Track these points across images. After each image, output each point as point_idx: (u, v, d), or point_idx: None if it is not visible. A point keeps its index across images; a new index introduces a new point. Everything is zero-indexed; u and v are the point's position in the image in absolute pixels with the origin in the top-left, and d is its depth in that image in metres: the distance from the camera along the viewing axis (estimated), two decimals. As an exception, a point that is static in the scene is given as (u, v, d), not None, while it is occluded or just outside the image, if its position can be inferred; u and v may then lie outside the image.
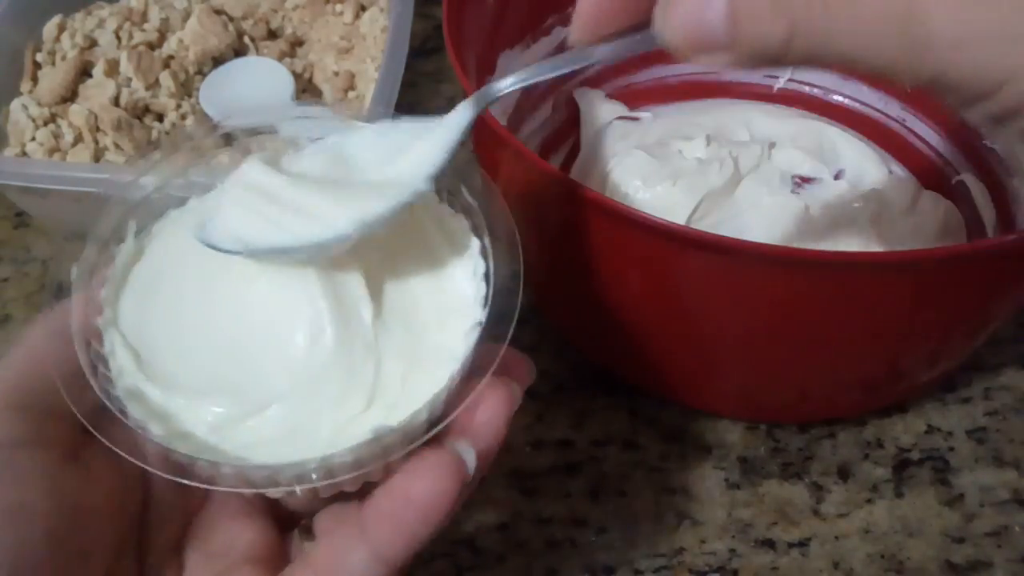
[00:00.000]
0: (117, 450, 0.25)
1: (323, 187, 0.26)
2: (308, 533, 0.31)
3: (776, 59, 0.23)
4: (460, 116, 0.26)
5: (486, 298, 0.26)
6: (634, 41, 0.25)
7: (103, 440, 0.25)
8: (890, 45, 0.21)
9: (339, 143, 0.28)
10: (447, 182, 0.28)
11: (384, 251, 0.27)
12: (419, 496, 0.24)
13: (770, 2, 0.22)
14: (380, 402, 0.26)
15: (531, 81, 0.27)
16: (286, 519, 0.31)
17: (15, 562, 0.25)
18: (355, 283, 0.26)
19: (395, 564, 0.25)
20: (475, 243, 0.28)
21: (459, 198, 0.29)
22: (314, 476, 0.24)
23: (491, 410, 0.26)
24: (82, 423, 0.25)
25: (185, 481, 0.25)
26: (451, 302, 0.27)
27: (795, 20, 0.22)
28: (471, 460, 0.25)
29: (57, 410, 0.26)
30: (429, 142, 0.26)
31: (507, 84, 0.27)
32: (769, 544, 0.40)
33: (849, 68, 0.22)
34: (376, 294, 0.27)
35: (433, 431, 0.25)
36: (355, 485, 0.26)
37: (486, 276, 0.27)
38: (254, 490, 0.26)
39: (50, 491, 0.26)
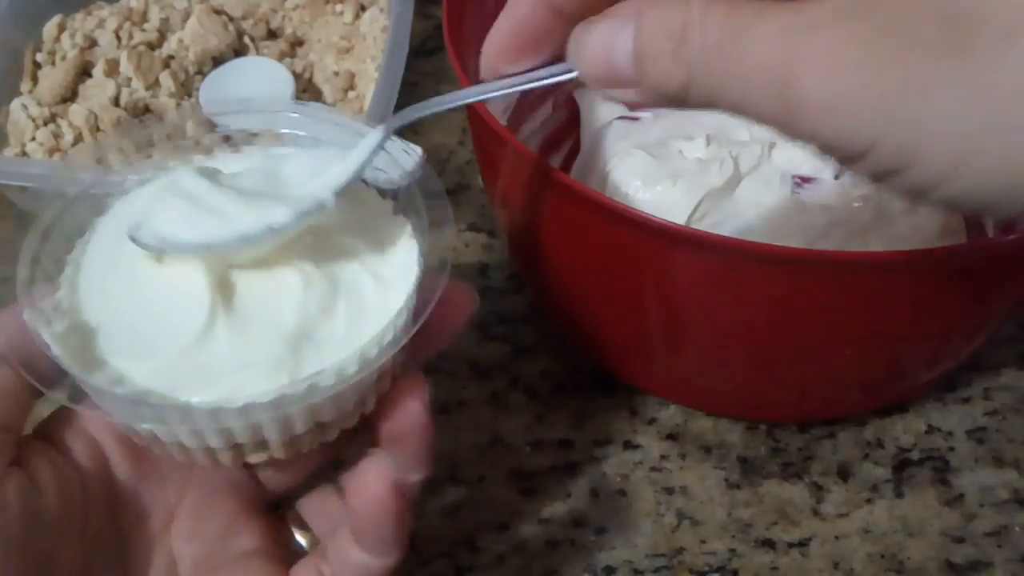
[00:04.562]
0: (76, 407, 0.27)
1: (243, 196, 0.28)
2: (301, 524, 0.32)
3: (678, 101, 0.24)
4: (371, 140, 0.29)
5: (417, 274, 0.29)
6: (548, 73, 0.28)
7: (67, 403, 0.27)
8: (771, 105, 0.22)
9: (275, 165, 0.31)
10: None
11: (326, 248, 0.30)
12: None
13: (671, 49, 0.23)
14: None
15: (440, 109, 0.30)
16: (269, 504, 0.32)
17: None
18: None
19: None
20: (407, 230, 0.30)
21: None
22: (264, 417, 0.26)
23: (407, 411, 0.28)
24: (30, 427, 0.27)
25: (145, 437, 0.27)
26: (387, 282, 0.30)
27: (691, 70, 0.23)
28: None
29: (1, 421, 0.27)
30: (343, 163, 0.29)
31: (417, 112, 0.30)
32: (769, 544, 0.40)
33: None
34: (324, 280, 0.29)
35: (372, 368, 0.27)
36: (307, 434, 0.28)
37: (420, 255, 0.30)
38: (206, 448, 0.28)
39: None
